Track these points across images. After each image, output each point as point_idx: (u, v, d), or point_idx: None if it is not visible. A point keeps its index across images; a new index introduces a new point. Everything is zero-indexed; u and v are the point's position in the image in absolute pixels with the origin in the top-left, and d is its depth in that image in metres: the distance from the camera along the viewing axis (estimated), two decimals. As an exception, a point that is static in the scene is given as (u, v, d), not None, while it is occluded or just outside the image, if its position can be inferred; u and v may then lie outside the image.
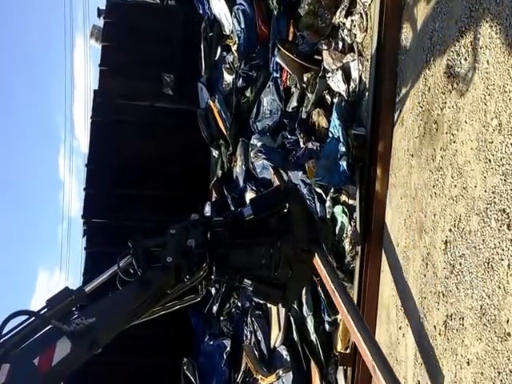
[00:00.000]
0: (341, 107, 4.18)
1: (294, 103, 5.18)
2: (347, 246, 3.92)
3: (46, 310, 2.17)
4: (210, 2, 7.47)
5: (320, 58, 4.68)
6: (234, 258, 2.73)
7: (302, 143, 4.79)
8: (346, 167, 3.88)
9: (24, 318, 2.08)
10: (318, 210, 4.35)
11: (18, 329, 2.04)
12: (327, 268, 3.48)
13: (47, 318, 2.07)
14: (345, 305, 3.32)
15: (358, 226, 3.73)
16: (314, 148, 4.50)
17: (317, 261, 3.39)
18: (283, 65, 5.26)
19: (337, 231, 4.10)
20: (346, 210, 4.01)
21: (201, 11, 8.02)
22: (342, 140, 4.00)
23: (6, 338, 1.99)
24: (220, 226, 2.75)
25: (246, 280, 2.84)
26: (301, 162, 4.63)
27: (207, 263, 2.65)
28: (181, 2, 9.16)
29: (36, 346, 2.00)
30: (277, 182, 4.91)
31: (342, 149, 3.95)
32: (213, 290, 3.52)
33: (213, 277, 2.73)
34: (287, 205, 2.90)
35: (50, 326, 2.02)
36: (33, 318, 2.06)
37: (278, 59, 5.28)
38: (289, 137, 5.14)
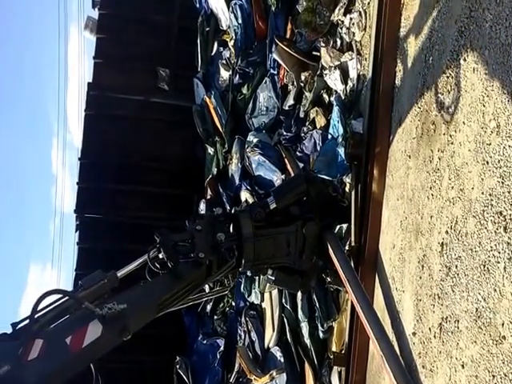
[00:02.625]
0: (340, 103, 4.16)
1: (290, 101, 5.15)
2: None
3: (79, 291, 2.21)
4: (207, -4, 7.40)
5: (318, 54, 4.64)
6: (260, 249, 2.75)
7: (302, 133, 4.74)
8: (343, 156, 3.85)
9: (57, 296, 2.12)
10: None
11: (52, 307, 2.08)
12: (339, 256, 3.34)
13: (80, 299, 2.09)
14: (356, 297, 3.21)
15: (353, 226, 3.70)
16: (318, 136, 4.45)
17: (329, 248, 3.31)
18: (280, 62, 5.22)
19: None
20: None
21: (198, 5, 7.94)
22: (340, 132, 3.98)
23: (39, 314, 2.06)
24: (245, 217, 2.75)
25: (269, 270, 2.85)
26: (308, 153, 4.57)
27: (235, 256, 2.67)
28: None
29: (69, 325, 2.08)
30: (288, 166, 4.82)
31: (340, 139, 3.93)
32: (207, 289, 3.52)
33: (240, 269, 2.75)
34: (308, 191, 2.89)
35: (82, 308, 2.07)
36: (66, 298, 2.11)
37: (275, 56, 5.24)
38: (284, 133, 5.11)
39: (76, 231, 8.24)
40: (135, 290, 2.37)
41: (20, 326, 2.07)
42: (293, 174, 4.31)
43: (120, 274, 2.48)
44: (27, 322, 2.05)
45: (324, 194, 3.16)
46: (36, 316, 2.05)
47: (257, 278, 5.17)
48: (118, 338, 2.11)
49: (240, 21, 6.46)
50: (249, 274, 4.69)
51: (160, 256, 2.54)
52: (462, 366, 2.57)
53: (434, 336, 2.84)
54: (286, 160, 4.93)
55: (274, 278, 2.95)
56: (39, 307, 2.06)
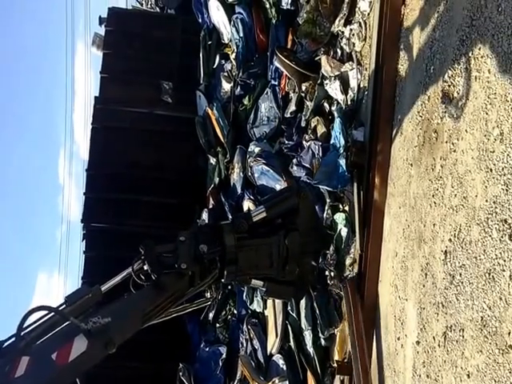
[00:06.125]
0: (342, 114, 4.18)
1: (292, 107, 5.18)
2: (348, 261, 3.88)
3: (64, 306, 2.21)
4: (210, 10, 7.50)
5: (319, 60, 4.67)
6: (243, 260, 2.74)
7: (304, 141, 4.77)
8: (345, 168, 3.87)
9: (43, 312, 2.13)
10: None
11: (38, 323, 2.07)
12: None
13: (66, 314, 2.11)
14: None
15: (357, 235, 3.70)
16: (317, 147, 4.48)
17: None
18: (282, 68, 5.26)
19: (335, 238, 4.05)
20: (348, 217, 3.98)
21: (200, 20, 8.06)
22: (342, 143, 4.00)
23: (26, 331, 2.08)
24: (229, 229, 2.76)
25: (255, 280, 2.85)
26: (305, 163, 4.61)
27: (218, 267, 2.68)
28: (180, 11, 9.22)
29: (54, 341, 2.10)
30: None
31: (342, 150, 3.95)
32: (209, 296, 3.51)
33: (223, 280, 2.75)
34: (298, 206, 2.89)
35: (68, 323, 2.07)
36: (52, 314, 2.11)
37: (276, 63, 5.28)
38: (286, 142, 5.14)
39: (83, 240, 8.38)
40: (119, 302, 2.37)
41: (7, 343, 2.06)
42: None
43: (104, 288, 2.48)
44: (14, 339, 2.05)
45: (312, 213, 3.14)
46: (22, 333, 2.05)
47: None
48: (103, 352, 2.12)
49: (241, 34, 6.54)
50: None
51: (145, 268, 2.54)
52: (468, 376, 2.54)
53: (439, 345, 2.81)
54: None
55: (265, 289, 2.93)
56: (25, 324, 2.07)
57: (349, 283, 3.65)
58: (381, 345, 3.56)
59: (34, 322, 2.16)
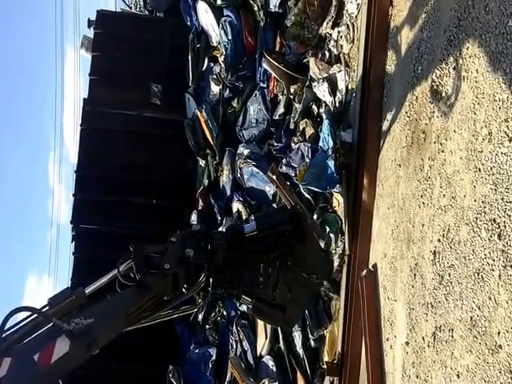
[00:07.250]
0: (330, 116, 4.19)
1: (281, 109, 5.19)
2: (336, 262, 3.87)
3: (47, 307, 2.19)
4: (198, 13, 7.51)
5: (307, 63, 4.68)
6: (230, 272, 2.73)
7: (292, 143, 4.76)
8: (333, 169, 3.87)
9: (26, 314, 2.12)
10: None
11: (20, 325, 2.09)
12: None
13: (48, 315, 2.11)
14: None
15: (346, 236, 3.69)
16: (306, 149, 4.48)
17: None
18: (270, 71, 5.26)
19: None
20: (336, 218, 3.98)
21: (189, 23, 8.07)
22: (330, 145, 4.01)
23: (8, 332, 2.05)
24: (219, 238, 2.75)
25: (244, 296, 2.82)
26: (294, 164, 4.61)
27: (204, 274, 2.66)
28: (169, 14, 9.22)
29: (37, 342, 2.06)
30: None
31: (330, 151, 3.95)
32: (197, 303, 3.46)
33: (209, 288, 2.73)
34: (293, 229, 2.85)
35: (50, 324, 2.05)
36: (35, 315, 2.08)
37: (264, 65, 5.29)
38: (275, 144, 5.15)
39: (72, 241, 8.38)
40: (103, 303, 2.36)
41: None
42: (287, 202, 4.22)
43: (88, 290, 2.46)
44: None
45: (310, 238, 3.02)
46: (4, 335, 2.03)
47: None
48: (86, 353, 2.09)
49: (230, 37, 6.56)
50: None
51: (133, 268, 2.53)
52: (458, 376, 2.54)
53: (428, 345, 2.81)
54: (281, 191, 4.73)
55: (251, 307, 2.89)
56: (7, 326, 2.05)
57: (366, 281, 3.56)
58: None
59: (17, 324, 2.14)
